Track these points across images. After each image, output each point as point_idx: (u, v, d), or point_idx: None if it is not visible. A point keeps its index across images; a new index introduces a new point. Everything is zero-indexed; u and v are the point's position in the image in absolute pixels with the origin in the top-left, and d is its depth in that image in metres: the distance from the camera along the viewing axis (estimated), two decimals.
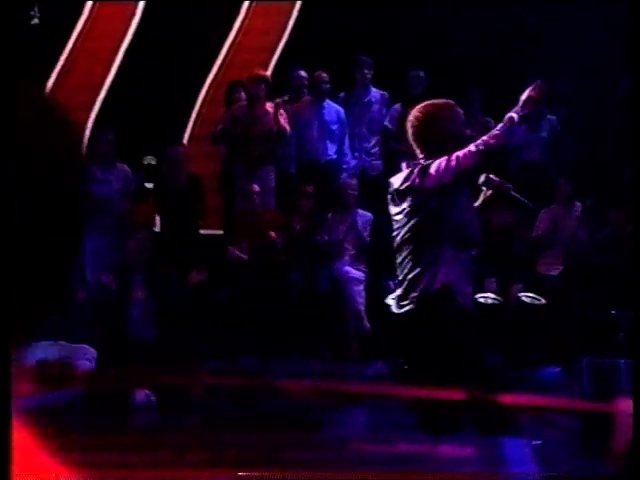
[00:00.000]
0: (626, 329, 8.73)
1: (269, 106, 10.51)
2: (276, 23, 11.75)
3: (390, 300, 9.90)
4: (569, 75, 11.04)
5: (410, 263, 5.55)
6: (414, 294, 5.48)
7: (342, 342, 9.89)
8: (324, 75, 10.87)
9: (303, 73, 10.99)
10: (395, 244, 5.68)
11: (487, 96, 10.72)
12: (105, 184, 10.31)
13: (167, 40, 11.55)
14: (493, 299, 9.75)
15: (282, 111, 10.56)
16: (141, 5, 11.73)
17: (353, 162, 11.14)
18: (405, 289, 5.59)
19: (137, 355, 8.43)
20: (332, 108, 10.97)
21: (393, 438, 1.81)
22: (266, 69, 11.47)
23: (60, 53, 11.80)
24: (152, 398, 8.23)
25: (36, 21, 11.42)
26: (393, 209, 5.69)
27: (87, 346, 8.31)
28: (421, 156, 5.52)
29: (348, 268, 10.13)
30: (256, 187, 10.33)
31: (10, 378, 1.86)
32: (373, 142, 11.22)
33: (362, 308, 9.96)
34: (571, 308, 9.65)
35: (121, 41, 11.73)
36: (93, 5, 11.77)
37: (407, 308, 5.54)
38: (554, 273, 10.15)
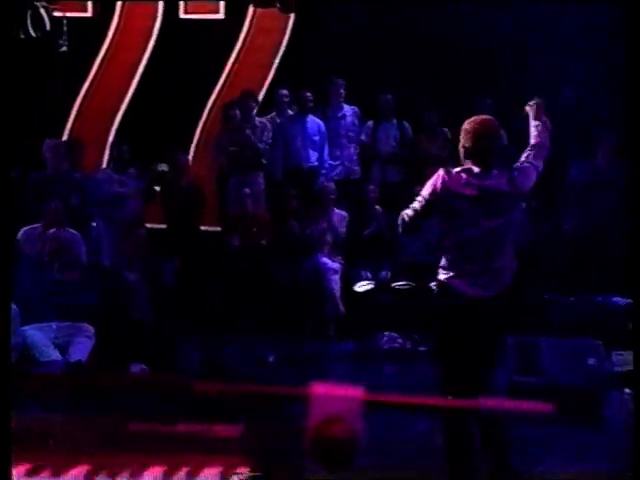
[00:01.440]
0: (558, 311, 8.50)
1: (258, 121, 10.52)
2: (270, 47, 11.43)
3: (359, 287, 9.87)
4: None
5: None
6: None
7: (320, 323, 9.67)
8: (308, 94, 10.72)
9: (286, 92, 10.89)
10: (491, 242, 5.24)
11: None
12: (121, 185, 10.08)
13: (177, 63, 11.33)
14: None
15: (269, 126, 10.51)
16: (155, 33, 11.47)
17: (335, 168, 10.94)
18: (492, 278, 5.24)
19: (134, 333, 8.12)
20: (314, 121, 10.80)
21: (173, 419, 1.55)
22: (261, 87, 11.26)
23: (86, 75, 11.55)
24: (146, 370, 7.94)
25: (64, 49, 11.20)
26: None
27: (86, 324, 7.98)
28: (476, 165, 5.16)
29: (326, 259, 9.94)
30: (247, 190, 10.22)
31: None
32: (352, 150, 10.97)
33: (337, 294, 9.78)
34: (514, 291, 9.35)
35: (138, 65, 11.51)
36: (114, 34, 11.54)
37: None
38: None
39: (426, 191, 5.11)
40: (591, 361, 6.97)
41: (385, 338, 9.04)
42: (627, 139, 7.39)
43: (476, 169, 5.11)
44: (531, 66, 10.42)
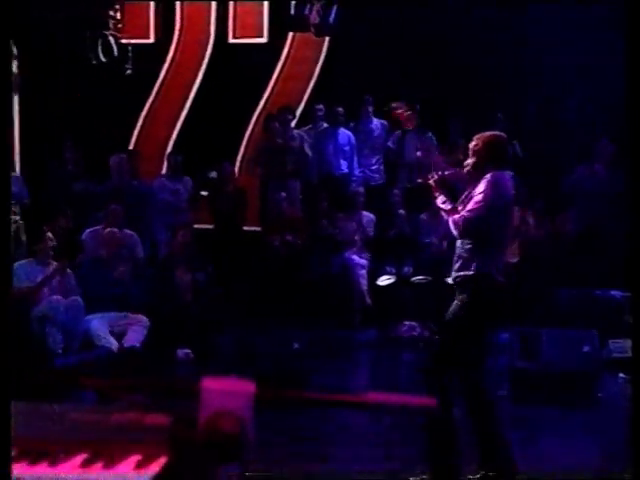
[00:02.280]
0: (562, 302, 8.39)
1: (295, 133, 10.50)
2: (307, 67, 11.35)
3: (382, 281, 9.82)
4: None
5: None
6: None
7: (348, 314, 9.62)
8: (340, 109, 10.68)
9: (320, 107, 10.85)
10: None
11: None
12: (174, 192, 10.19)
13: (226, 82, 11.30)
14: None
15: (306, 137, 10.49)
16: (207, 56, 11.50)
17: (360, 175, 10.86)
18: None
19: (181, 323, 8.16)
20: (345, 133, 10.74)
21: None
22: (299, 103, 11.24)
23: (148, 95, 11.62)
24: (191, 355, 7.98)
25: (129, 72, 11.29)
26: None
27: (141, 315, 8.05)
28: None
29: (354, 256, 9.93)
30: (283, 194, 10.21)
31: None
32: (374, 160, 10.90)
33: (364, 288, 9.75)
34: (524, 288, 9.23)
35: (192, 84, 11.54)
36: (172, 57, 11.59)
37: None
38: (514, 261, 9.69)
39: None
40: (586, 349, 6.87)
41: (405, 327, 8.99)
42: (626, 141, 7.18)
43: None
44: (535, 79, 10.25)
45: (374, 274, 9.80)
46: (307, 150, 10.49)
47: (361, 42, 10.77)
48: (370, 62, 10.56)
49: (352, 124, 10.90)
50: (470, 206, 4.86)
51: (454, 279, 5.01)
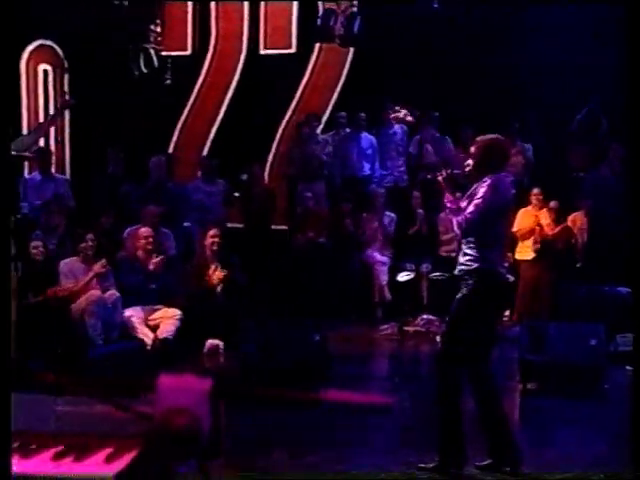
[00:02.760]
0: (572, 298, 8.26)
1: (321, 137, 10.45)
2: (333, 76, 11.30)
3: (401, 277, 9.75)
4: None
5: None
6: None
7: (369, 308, 9.56)
8: (362, 115, 10.65)
9: (344, 113, 10.81)
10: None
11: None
12: (208, 193, 10.15)
13: (257, 90, 11.28)
14: None
15: (331, 142, 10.46)
16: (240, 66, 11.49)
17: (385, 177, 10.78)
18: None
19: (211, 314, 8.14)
20: (367, 138, 10.70)
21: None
22: (326, 110, 11.19)
23: (186, 103, 11.62)
24: (220, 346, 7.94)
25: (168, 82, 11.33)
26: None
27: (175, 309, 8.04)
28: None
29: (376, 253, 9.87)
30: (309, 194, 10.17)
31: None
32: (400, 162, 10.82)
33: (384, 283, 9.68)
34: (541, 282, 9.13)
35: (226, 92, 11.52)
36: (208, 67, 11.59)
37: None
38: (529, 258, 9.57)
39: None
40: (593, 342, 6.76)
41: (423, 321, 8.90)
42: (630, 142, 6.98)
43: None
44: (551, 86, 10.09)
45: (395, 270, 9.71)
46: (332, 154, 10.44)
47: (382, 52, 10.70)
48: (390, 70, 10.49)
49: (374, 129, 10.82)
50: (471, 207, 4.83)
51: (458, 272, 4.96)
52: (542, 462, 5.20)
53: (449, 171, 5.12)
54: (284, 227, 10.51)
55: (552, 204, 9.42)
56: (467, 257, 4.88)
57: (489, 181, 4.81)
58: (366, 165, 10.66)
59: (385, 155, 10.75)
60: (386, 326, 8.97)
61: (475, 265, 4.83)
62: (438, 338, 8.66)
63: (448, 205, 5.06)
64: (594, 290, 8.11)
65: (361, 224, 10.03)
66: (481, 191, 4.81)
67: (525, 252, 9.49)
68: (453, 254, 9.49)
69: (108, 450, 1.36)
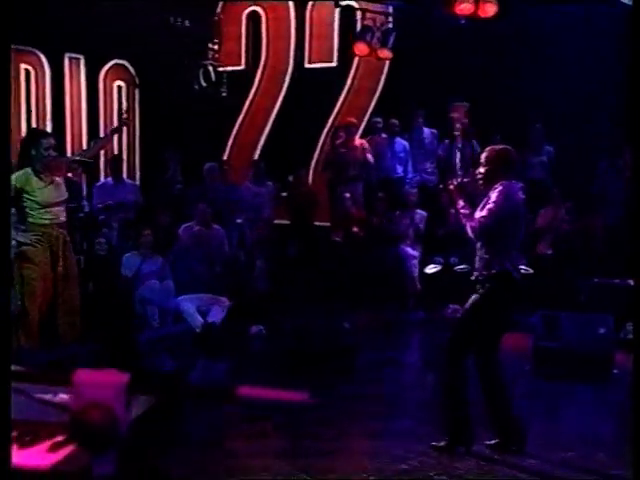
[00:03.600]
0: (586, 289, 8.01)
1: (358, 142, 10.34)
2: (370, 86, 11.13)
3: (429, 270, 9.59)
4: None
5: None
6: None
7: (402, 298, 9.42)
8: (395, 121, 10.49)
9: (379, 119, 10.65)
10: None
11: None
12: (257, 194, 10.11)
13: (302, 100, 11.17)
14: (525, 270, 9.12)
15: (367, 146, 10.31)
16: (287, 78, 11.42)
17: (416, 178, 10.60)
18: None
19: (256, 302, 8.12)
20: (400, 142, 10.54)
21: None
22: (364, 117, 11.05)
23: (239, 112, 11.61)
24: (263, 331, 7.91)
25: (224, 94, 11.34)
26: None
27: (223, 297, 8.03)
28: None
29: (408, 248, 9.68)
30: (347, 195, 10.03)
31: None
32: (428, 165, 10.64)
33: (415, 275, 9.50)
34: (559, 276, 8.88)
35: (275, 102, 11.48)
36: (259, 80, 11.55)
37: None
38: (549, 252, 9.34)
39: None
40: (602, 331, 6.56)
41: (450, 310, 8.73)
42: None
43: None
44: (567, 89, 9.79)
45: (425, 264, 9.54)
46: (368, 157, 10.31)
47: (415, 63, 10.55)
48: (422, 80, 10.32)
49: (407, 134, 10.66)
50: (484, 212, 4.70)
51: (476, 277, 4.84)
52: (550, 441, 5.06)
53: (459, 180, 5.02)
54: (325, 223, 10.37)
55: (569, 204, 9.19)
56: (483, 263, 4.77)
57: (500, 188, 4.70)
58: (399, 167, 10.51)
59: (419, 158, 10.57)
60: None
61: (491, 271, 4.72)
62: None
63: (461, 211, 4.92)
64: (606, 282, 7.86)
65: (394, 221, 9.89)
66: (493, 197, 4.69)
67: (545, 247, 9.28)
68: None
69: (57, 439, 1.29)
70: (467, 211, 4.81)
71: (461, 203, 4.85)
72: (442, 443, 4.75)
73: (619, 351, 6.69)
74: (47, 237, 6.20)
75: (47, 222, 6.21)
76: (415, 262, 9.54)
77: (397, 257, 9.56)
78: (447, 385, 4.82)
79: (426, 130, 10.59)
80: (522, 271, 8.54)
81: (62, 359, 5.84)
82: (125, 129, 11.22)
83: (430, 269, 9.18)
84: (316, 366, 6.38)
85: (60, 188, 6.38)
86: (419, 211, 9.94)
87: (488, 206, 4.68)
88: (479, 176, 4.83)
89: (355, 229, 9.80)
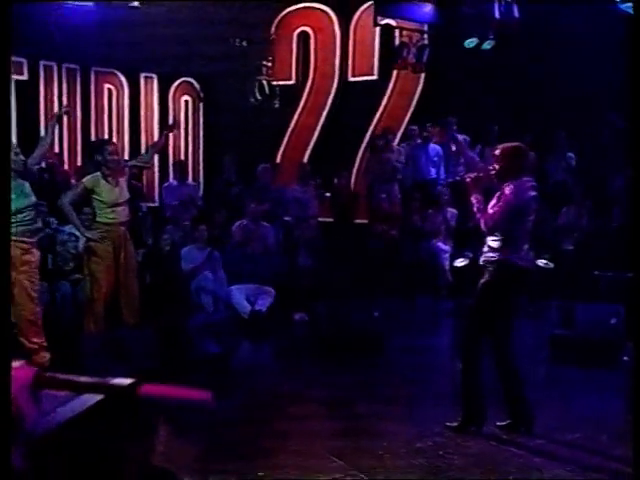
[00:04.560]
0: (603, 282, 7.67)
1: (395, 148, 10.18)
2: (407, 97, 10.91)
3: (457, 263, 9.35)
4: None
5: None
6: None
7: (436, 288, 9.22)
8: (430, 128, 10.27)
9: (415, 127, 10.49)
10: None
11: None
12: (303, 193, 10.01)
13: (347, 109, 11.01)
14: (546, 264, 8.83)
15: (403, 151, 10.14)
16: (333, 91, 11.28)
17: (450, 180, 10.30)
18: None
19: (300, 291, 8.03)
20: (434, 148, 10.33)
21: None
22: (401, 125, 10.86)
23: (290, 120, 11.51)
24: (305, 318, 7.82)
25: (277, 106, 11.30)
26: None
27: (269, 287, 7.97)
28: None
29: (440, 244, 9.47)
30: (384, 195, 9.89)
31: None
32: (460, 168, 10.35)
33: (447, 268, 9.28)
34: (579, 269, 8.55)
35: (322, 112, 11.34)
36: (308, 93, 11.43)
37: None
38: (570, 248, 9.01)
39: None
40: (613, 321, 6.27)
41: None
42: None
43: None
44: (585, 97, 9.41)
45: (456, 258, 9.28)
46: (404, 161, 10.15)
47: (447, 76, 10.33)
48: (453, 92, 10.10)
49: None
50: (496, 208, 4.50)
51: (482, 262, 4.65)
52: (557, 423, 4.85)
53: (475, 174, 4.80)
54: (365, 221, 10.24)
55: (589, 203, 8.85)
56: (489, 249, 4.60)
57: (511, 185, 4.50)
58: (433, 170, 10.31)
59: (449, 162, 10.33)
60: None
61: (495, 257, 4.55)
62: None
63: (475, 204, 4.74)
64: (620, 276, 7.52)
65: (428, 219, 9.69)
66: (505, 192, 4.50)
67: (566, 243, 8.96)
68: None
69: None
70: (481, 205, 4.63)
71: (476, 197, 4.66)
72: (455, 423, 4.60)
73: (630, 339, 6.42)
74: (111, 234, 6.24)
75: (111, 220, 6.25)
76: (446, 256, 9.32)
77: (430, 251, 9.37)
78: (462, 368, 4.66)
79: (459, 137, 10.30)
80: (542, 265, 8.49)
81: (123, 340, 5.86)
82: (191, 138, 11.45)
83: (459, 262, 8.94)
84: (347, 350, 6.27)
85: (123, 189, 6.41)
86: (450, 209, 9.69)
87: (499, 202, 4.50)
88: (492, 172, 4.65)
89: (391, 226, 9.62)
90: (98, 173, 6.30)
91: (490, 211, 4.52)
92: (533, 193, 4.62)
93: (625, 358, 6.22)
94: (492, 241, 4.59)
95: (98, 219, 6.24)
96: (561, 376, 6.09)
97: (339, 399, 5.28)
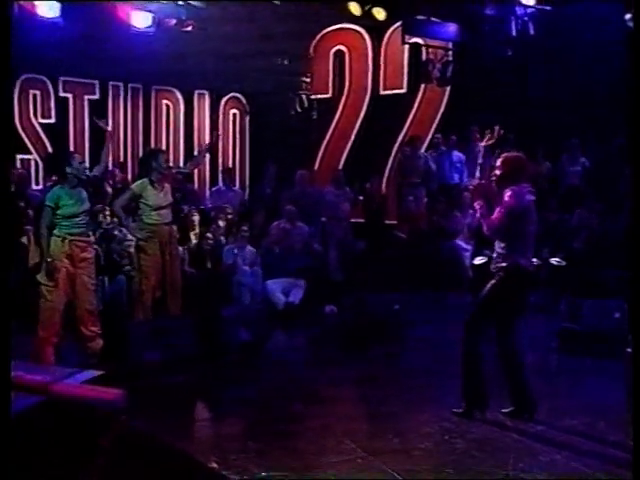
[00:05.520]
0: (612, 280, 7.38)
1: (422, 155, 10.00)
2: (433, 108, 10.70)
3: (476, 261, 9.13)
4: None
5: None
6: None
7: (458, 283, 9.00)
8: (453, 137, 10.13)
9: (439, 136, 10.29)
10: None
11: None
12: (336, 196, 9.88)
13: (378, 120, 10.78)
14: (558, 262, 8.57)
15: (429, 157, 9.97)
16: (365, 103, 11.15)
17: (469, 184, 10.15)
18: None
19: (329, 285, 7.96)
20: (457, 155, 10.14)
21: None
22: (428, 133, 10.68)
23: (327, 131, 11.42)
24: (334, 310, 7.74)
25: (315, 117, 11.24)
26: None
27: (302, 280, 7.92)
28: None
29: (461, 242, 9.27)
30: (411, 198, 9.74)
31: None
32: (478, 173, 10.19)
33: (468, 265, 9.01)
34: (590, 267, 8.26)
35: (355, 122, 11.15)
36: (343, 106, 11.33)
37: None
38: (582, 247, 8.71)
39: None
40: (617, 315, 6.03)
41: None
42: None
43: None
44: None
45: (476, 256, 9.08)
46: (430, 166, 9.99)
47: (469, 89, 10.12)
48: (475, 103, 9.88)
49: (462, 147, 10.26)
50: (495, 214, 4.37)
51: (492, 269, 4.54)
52: (559, 410, 4.69)
53: (477, 182, 4.69)
54: (393, 222, 10.12)
55: (600, 206, 8.55)
56: (497, 255, 4.51)
57: (510, 192, 4.36)
58: (456, 175, 10.12)
59: (470, 167, 10.10)
60: None
61: (504, 264, 4.44)
62: None
63: (478, 209, 4.61)
64: (624, 273, 7.23)
65: (451, 220, 9.50)
66: (504, 199, 4.37)
67: (579, 242, 8.67)
68: None
69: None
70: (483, 211, 4.50)
71: (478, 203, 4.54)
72: (460, 409, 4.48)
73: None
74: (157, 233, 6.29)
75: (156, 222, 6.29)
76: (467, 254, 9.09)
77: (452, 250, 9.19)
78: (465, 358, 4.54)
79: (479, 144, 10.06)
80: (555, 263, 8.23)
81: (166, 328, 5.89)
82: (238, 147, 11.50)
83: (477, 261, 8.69)
84: (368, 339, 6.19)
85: (167, 194, 6.45)
86: (472, 211, 9.47)
87: (499, 208, 4.37)
88: (493, 178, 4.52)
89: (417, 226, 9.49)
90: (146, 179, 6.35)
91: (493, 217, 4.40)
92: (531, 197, 4.47)
93: (628, 350, 5.98)
94: (500, 248, 4.48)
95: (145, 220, 6.30)
96: (567, 366, 5.90)
97: (357, 384, 5.21)
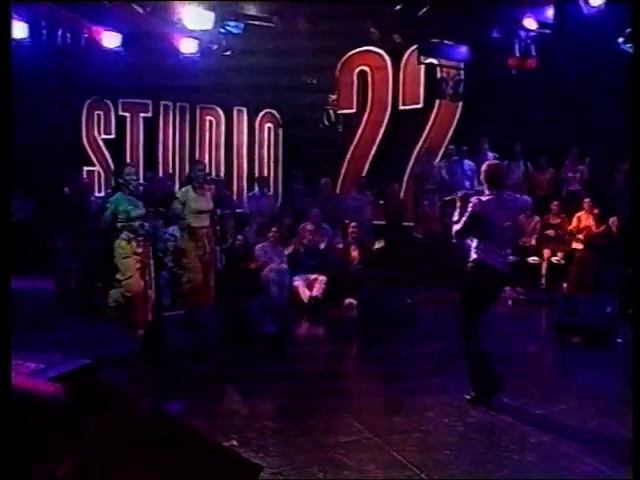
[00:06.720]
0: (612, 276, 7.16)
1: (435, 164, 9.87)
2: (447, 122, 10.54)
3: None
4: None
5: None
6: None
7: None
8: (465, 148, 9.89)
9: (452, 147, 10.08)
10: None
11: None
12: (358, 200, 9.85)
13: (397, 133, 10.79)
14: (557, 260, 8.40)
15: (443, 166, 9.82)
16: (386, 117, 11.05)
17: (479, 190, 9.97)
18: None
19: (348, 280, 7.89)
20: (468, 164, 9.86)
21: None
22: (442, 145, 10.53)
23: (351, 142, 11.33)
24: (354, 302, 7.67)
25: (340, 129, 11.19)
26: None
27: (323, 276, 7.88)
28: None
29: (470, 242, 9.05)
30: (426, 202, 9.61)
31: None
32: None
33: None
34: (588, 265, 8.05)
35: (377, 134, 11.11)
36: (366, 120, 11.25)
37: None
38: (579, 248, 8.48)
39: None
40: (609, 309, 5.84)
41: (505, 291, 8.07)
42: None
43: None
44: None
45: None
46: (444, 175, 9.84)
47: (479, 105, 9.95)
48: (485, 117, 9.71)
49: (473, 157, 9.94)
50: (464, 218, 4.34)
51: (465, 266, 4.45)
52: (553, 395, 4.57)
53: (463, 192, 4.65)
54: (411, 223, 10.00)
55: (596, 210, 8.31)
56: (470, 253, 4.46)
57: (474, 199, 4.28)
58: (467, 183, 9.83)
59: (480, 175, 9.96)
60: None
61: (470, 262, 4.43)
62: (510, 302, 8.02)
63: (455, 216, 4.49)
64: (622, 271, 7.01)
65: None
66: (470, 205, 4.29)
67: (577, 244, 8.46)
68: (527, 244, 8.75)
69: None
70: (457, 217, 4.41)
71: (458, 210, 4.41)
72: (469, 396, 4.42)
73: (625, 324, 5.97)
74: (195, 235, 6.34)
75: (197, 225, 6.34)
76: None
77: (464, 249, 9.01)
78: (467, 352, 4.43)
79: (489, 154, 9.78)
80: (555, 262, 8.03)
81: (200, 319, 5.91)
82: (272, 157, 11.56)
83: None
84: (382, 329, 6.13)
85: (208, 200, 6.50)
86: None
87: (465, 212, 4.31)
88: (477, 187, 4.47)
89: (431, 228, 9.37)
90: (189, 186, 6.42)
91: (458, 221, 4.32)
92: (495, 203, 4.29)
93: (619, 340, 5.81)
94: (472, 247, 4.41)
95: (186, 223, 6.35)
96: (564, 355, 5.75)
97: (370, 370, 5.17)
